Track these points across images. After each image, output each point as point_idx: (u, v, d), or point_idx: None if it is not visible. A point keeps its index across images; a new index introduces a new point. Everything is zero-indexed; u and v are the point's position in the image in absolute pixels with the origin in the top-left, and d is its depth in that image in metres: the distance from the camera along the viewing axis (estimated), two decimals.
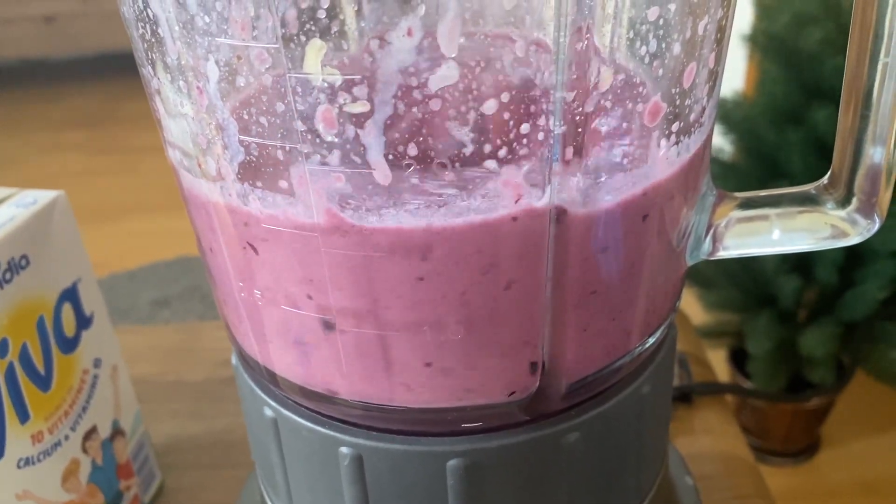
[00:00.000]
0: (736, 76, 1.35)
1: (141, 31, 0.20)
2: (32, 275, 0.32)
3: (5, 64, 2.74)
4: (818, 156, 0.90)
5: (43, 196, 0.34)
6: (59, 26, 2.59)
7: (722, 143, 1.02)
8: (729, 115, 0.99)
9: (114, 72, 2.71)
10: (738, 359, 1.11)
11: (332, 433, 0.23)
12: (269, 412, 0.25)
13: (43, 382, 0.33)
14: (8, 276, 0.31)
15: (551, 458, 0.24)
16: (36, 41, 2.61)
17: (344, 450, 0.23)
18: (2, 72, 2.79)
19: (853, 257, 0.93)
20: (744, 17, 1.07)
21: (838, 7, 0.92)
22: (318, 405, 0.24)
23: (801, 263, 0.96)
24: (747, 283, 1.01)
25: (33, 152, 2.32)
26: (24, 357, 0.32)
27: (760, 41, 0.97)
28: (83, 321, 0.36)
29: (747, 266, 1.01)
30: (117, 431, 0.38)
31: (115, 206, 1.94)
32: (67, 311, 0.35)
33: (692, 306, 1.07)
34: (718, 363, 1.11)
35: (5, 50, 2.63)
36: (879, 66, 0.22)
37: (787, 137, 0.92)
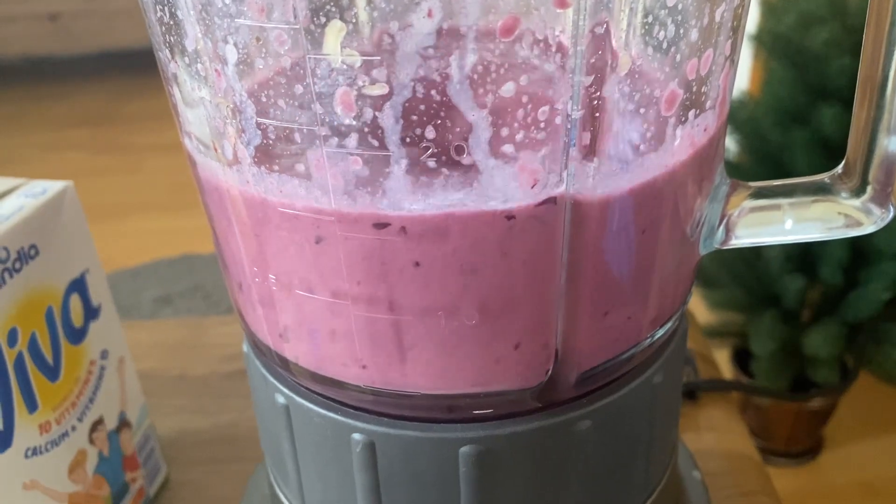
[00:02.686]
0: (741, 76, 1.35)
1: (159, 14, 0.20)
2: (41, 265, 0.32)
3: (9, 62, 2.74)
4: (823, 156, 0.90)
5: (52, 186, 0.34)
6: (63, 24, 2.59)
7: (727, 142, 1.02)
8: (734, 114, 0.99)
9: (118, 70, 2.71)
10: (742, 359, 1.11)
11: (344, 419, 0.23)
12: (280, 399, 0.25)
13: (51, 372, 0.33)
14: (17, 265, 0.31)
15: (562, 446, 0.24)
16: (40, 39, 2.61)
17: (356, 436, 0.23)
18: (5, 69, 2.79)
19: (858, 257, 0.92)
20: (750, 17, 1.07)
21: (844, 7, 0.92)
22: (331, 391, 0.24)
23: (805, 263, 0.96)
24: (751, 283, 1.01)
25: (37, 150, 2.32)
26: (33, 347, 0.32)
27: (766, 41, 0.97)
28: (91, 312, 0.36)
29: (752, 266, 1.01)
30: (123, 423, 0.38)
31: (118, 205, 1.94)
32: (76, 301, 0.35)
33: (696, 305, 1.07)
34: (722, 363, 1.11)
35: (9, 48, 2.63)
36: (895, 57, 0.22)
37: (792, 137, 0.92)
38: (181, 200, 1.83)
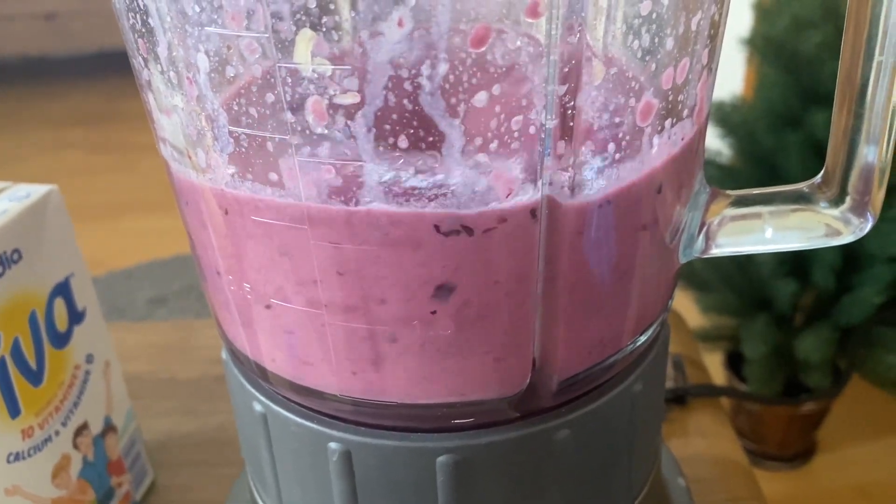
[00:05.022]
0: (735, 79, 1.35)
1: (131, 21, 0.20)
2: (25, 269, 0.32)
3: (5, 61, 2.74)
4: (816, 159, 0.90)
5: (36, 190, 0.34)
6: (59, 24, 2.59)
7: (720, 146, 1.02)
8: (727, 118, 0.99)
9: (114, 70, 2.71)
10: (735, 362, 1.11)
11: (321, 428, 0.23)
12: (258, 407, 0.25)
13: (34, 377, 0.33)
14: (0, 269, 0.31)
15: (542, 456, 0.23)
16: (36, 38, 2.61)
17: (333, 445, 0.23)
18: (2, 69, 2.79)
19: (850, 261, 0.93)
20: (743, 21, 1.07)
21: (837, 11, 0.92)
22: (308, 400, 0.24)
23: (797, 267, 0.96)
24: (744, 287, 1.01)
25: (32, 150, 2.32)
26: (16, 351, 0.32)
27: (759, 44, 0.97)
28: (75, 316, 0.36)
29: (744, 270, 1.01)
30: (109, 427, 0.38)
31: (113, 204, 1.94)
32: (60, 305, 0.35)
33: (689, 309, 1.07)
34: (715, 367, 1.11)
35: (5, 47, 2.63)
36: (874, 65, 0.21)
37: (785, 141, 0.92)
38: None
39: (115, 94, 2.63)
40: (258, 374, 0.25)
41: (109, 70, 2.73)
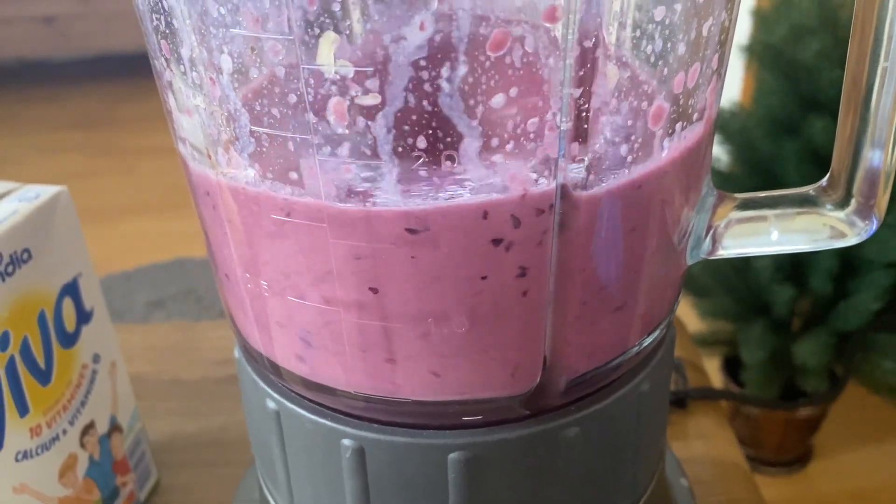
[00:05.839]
0: (733, 86, 1.36)
1: (155, 22, 0.20)
2: (34, 269, 0.32)
3: (4, 64, 2.74)
4: (814, 166, 0.91)
5: (45, 191, 0.34)
6: (58, 27, 2.59)
7: (719, 152, 1.03)
8: (726, 125, 0.99)
9: (113, 73, 2.71)
10: (732, 367, 1.12)
11: (334, 425, 0.24)
12: (271, 404, 0.25)
13: (43, 376, 0.33)
14: (10, 269, 0.31)
15: (551, 453, 0.24)
16: (35, 42, 2.61)
17: (346, 442, 0.23)
18: (1, 72, 2.79)
19: (848, 267, 0.93)
20: (742, 28, 1.08)
21: (835, 19, 0.93)
22: (321, 397, 0.24)
23: (795, 273, 0.96)
24: (742, 292, 1.02)
25: (31, 153, 2.32)
26: (25, 350, 0.32)
27: (758, 52, 0.98)
28: (83, 316, 0.36)
29: (742, 275, 1.02)
30: (115, 427, 0.38)
31: (112, 208, 1.94)
32: (68, 305, 0.35)
33: (687, 314, 1.07)
34: (712, 371, 1.11)
35: (5, 50, 2.63)
36: (879, 70, 0.22)
37: (783, 148, 0.93)
38: (175, 203, 1.83)
39: (115, 98, 2.63)
40: (272, 372, 0.25)
41: (109, 73, 2.73)
